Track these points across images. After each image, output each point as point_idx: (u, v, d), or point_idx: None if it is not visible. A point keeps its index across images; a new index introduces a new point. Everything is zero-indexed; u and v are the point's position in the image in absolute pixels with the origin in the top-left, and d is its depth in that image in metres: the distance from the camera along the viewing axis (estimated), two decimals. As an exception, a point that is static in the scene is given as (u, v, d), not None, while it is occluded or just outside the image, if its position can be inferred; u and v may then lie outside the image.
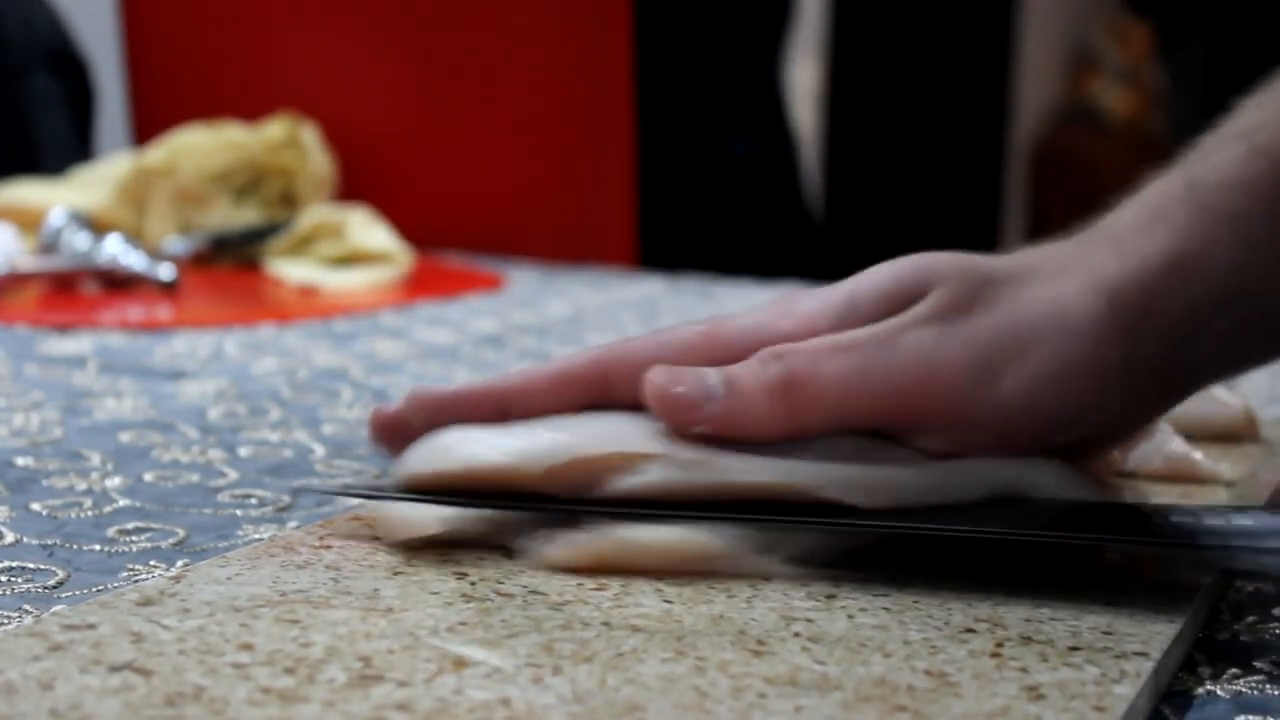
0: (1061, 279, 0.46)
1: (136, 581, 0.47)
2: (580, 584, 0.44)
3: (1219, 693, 0.40)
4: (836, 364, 0.45)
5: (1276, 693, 0.40)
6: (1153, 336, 0.46)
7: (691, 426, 0.45)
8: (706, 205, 1.64)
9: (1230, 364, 0.49)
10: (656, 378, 0.46)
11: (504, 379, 0.49)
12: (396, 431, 0.49)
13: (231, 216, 1.20)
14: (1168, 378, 0.48)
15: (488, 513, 0.46)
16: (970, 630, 0.41)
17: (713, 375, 0.46)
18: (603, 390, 0.48)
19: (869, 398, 0.45)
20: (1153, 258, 0.46)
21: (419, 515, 0.45)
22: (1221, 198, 0.47)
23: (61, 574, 0.48)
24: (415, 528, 0.46)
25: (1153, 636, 0.40)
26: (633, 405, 0.47)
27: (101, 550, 0.50)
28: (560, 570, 0.44)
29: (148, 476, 0.59)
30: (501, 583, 0.44)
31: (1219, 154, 0.48)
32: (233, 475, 0.60)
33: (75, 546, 0.50)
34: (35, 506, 0.54)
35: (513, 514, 0.46)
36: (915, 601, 0.43)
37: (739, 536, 0.44)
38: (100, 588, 0.46)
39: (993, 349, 0.45)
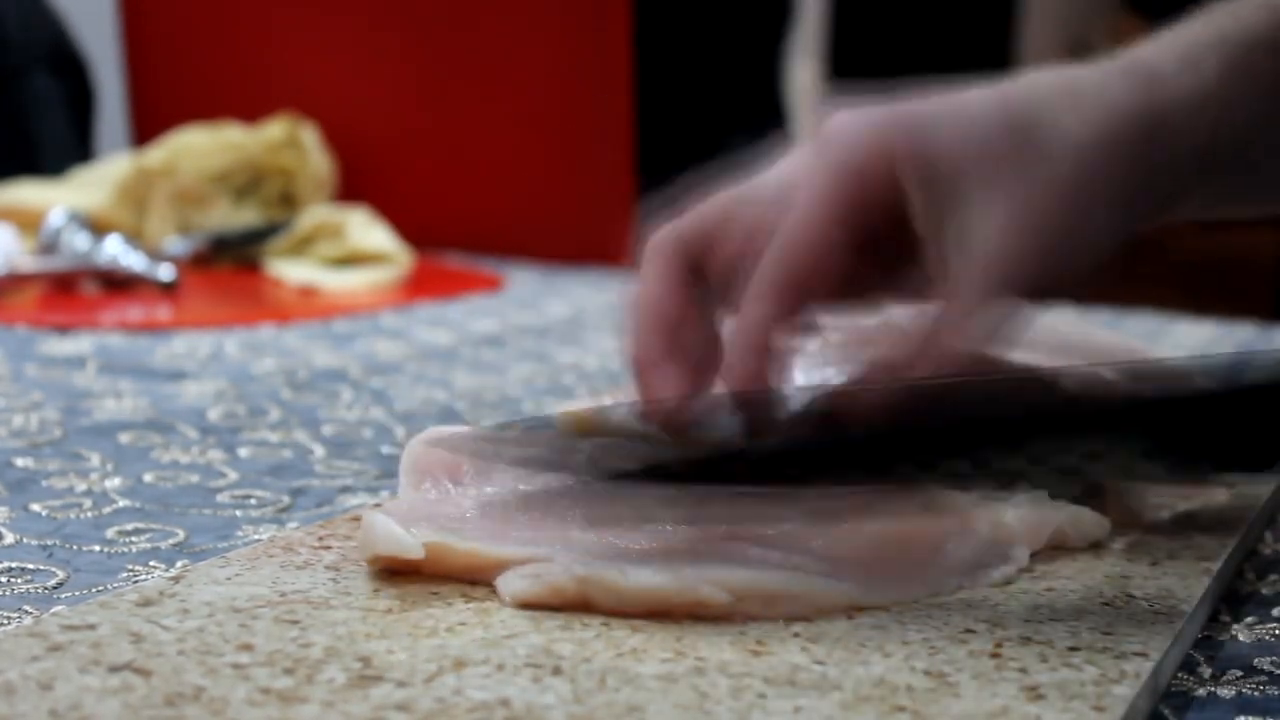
0: (1071, 103, 0.47)
1: (136, 582, 0.47)
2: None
3: (1219, 693, 0.40)
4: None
5: (1277, 693, 0.40)
6: (1153, 170, 0.47)
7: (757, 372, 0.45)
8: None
9: (1211, 209, 0.51)
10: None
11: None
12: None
13: (231, 217, 1.20)
14: (1154, 207, 0.49)
15: (471, 546, 0.43)
16: (969, 630, 0.41)
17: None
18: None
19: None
20: (1169, 94, 0.47)
21: (405, 537, 0.43)
22: (1248, 56, 0.48)
23: (61, 574, 0.48)
24: (400, 548, 0.43)
25: (1152, 637, 0.40)
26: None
27: (101, 551, 0.50)
28: (531, 607, 0.42)
29: (148, 477, 0.59)
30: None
31: (1250, 13, 0.49)
32: (232, 476, 0.60)
33: (75, 547, 0.50)
34: (35, 507, 0.54)
35: (492, 551, 0.43)
36: (915, 601, 0.43)
37: (710, 581, 0.41)
38: (100, 588, 0.46)
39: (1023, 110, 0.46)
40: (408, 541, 0.43)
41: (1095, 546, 0.49)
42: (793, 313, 0.46)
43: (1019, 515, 0.47)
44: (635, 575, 0.41)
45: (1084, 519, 0.48)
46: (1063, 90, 0.47)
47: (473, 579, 0.43)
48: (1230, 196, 0.51)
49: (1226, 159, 0.49)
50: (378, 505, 0.48)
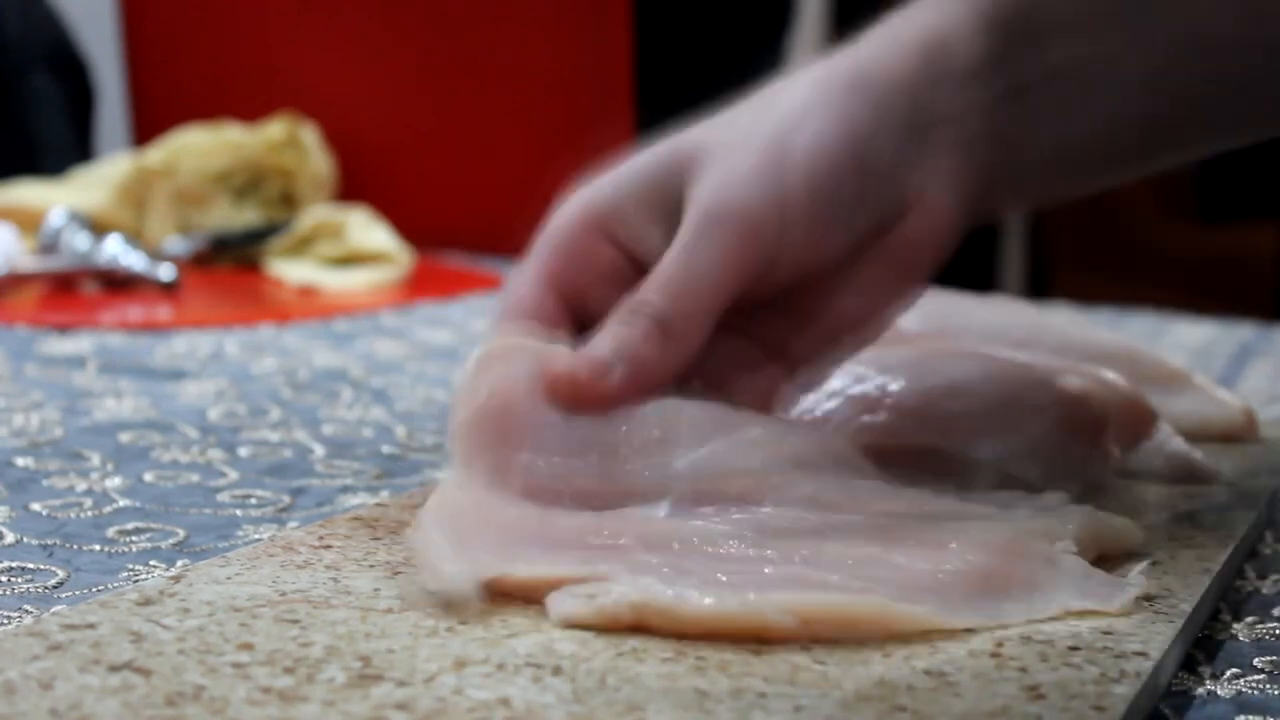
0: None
1: (136, 582, 0.47)
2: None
3: (1219, 693, 0.40)
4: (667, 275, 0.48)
5: (1276, 692, 0.40)
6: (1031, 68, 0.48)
7: (606, 402, 0.47)
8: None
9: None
10: (555, 369, 0.47)
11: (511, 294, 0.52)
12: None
13: (231, 217, 1.20)
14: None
15: (530, 575, 0.42)
16: (970, 630, 0.41)
17: (605, 348, 0.47)
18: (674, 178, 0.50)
19: (709, 280, 0.47)
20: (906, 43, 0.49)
21: (460, 575, 0.42)
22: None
23: (61, 574, 0.48)
24: (453, 584, 0.42)
25: (1152, 636, 0.40)
26: None
27: (101, 550, 0.50)
28: (578, 627, 0.41)
29: (148, 476, 0.59)
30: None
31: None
32: (233, 475, 0.60)
33: (75, 547, 0.50)
34: (35, 506, 0.54)
35: (549, 574, 0.42)
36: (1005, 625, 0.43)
37: (776, 606, 0.40)
38: (100, 588, 0.46)
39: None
40: (461, 582, 0.41)
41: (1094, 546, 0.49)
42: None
43: (1083, 529, 0.46)
44: (696, 600, 0.40)
45: (1128, 530, 0.48)
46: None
47: (524, 598, 0.42)
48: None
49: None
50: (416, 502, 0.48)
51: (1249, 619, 0.46)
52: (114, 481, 0.58)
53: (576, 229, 0.51)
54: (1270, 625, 0.45)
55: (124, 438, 0.64)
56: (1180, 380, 0.65)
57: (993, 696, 0.36)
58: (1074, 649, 0.39)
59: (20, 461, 0.60)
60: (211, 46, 1.41)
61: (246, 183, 1.23)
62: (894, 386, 0.55)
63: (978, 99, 0.48)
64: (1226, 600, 0.47)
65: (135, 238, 1.06)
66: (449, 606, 0.41)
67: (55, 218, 1.03)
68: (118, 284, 1.01)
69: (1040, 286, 2.88)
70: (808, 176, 0.47)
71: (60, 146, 1.49)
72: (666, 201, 0.50)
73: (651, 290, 0.48)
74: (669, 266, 0.48)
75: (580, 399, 0.47)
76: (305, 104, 1.29)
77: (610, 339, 0.47)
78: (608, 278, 0.50)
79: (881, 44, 0.49)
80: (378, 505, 0.51)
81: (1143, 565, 0.45)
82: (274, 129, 1.24)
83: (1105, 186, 0.52)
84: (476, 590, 0.41)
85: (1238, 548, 0.50)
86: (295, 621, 0.39)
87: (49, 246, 1.02)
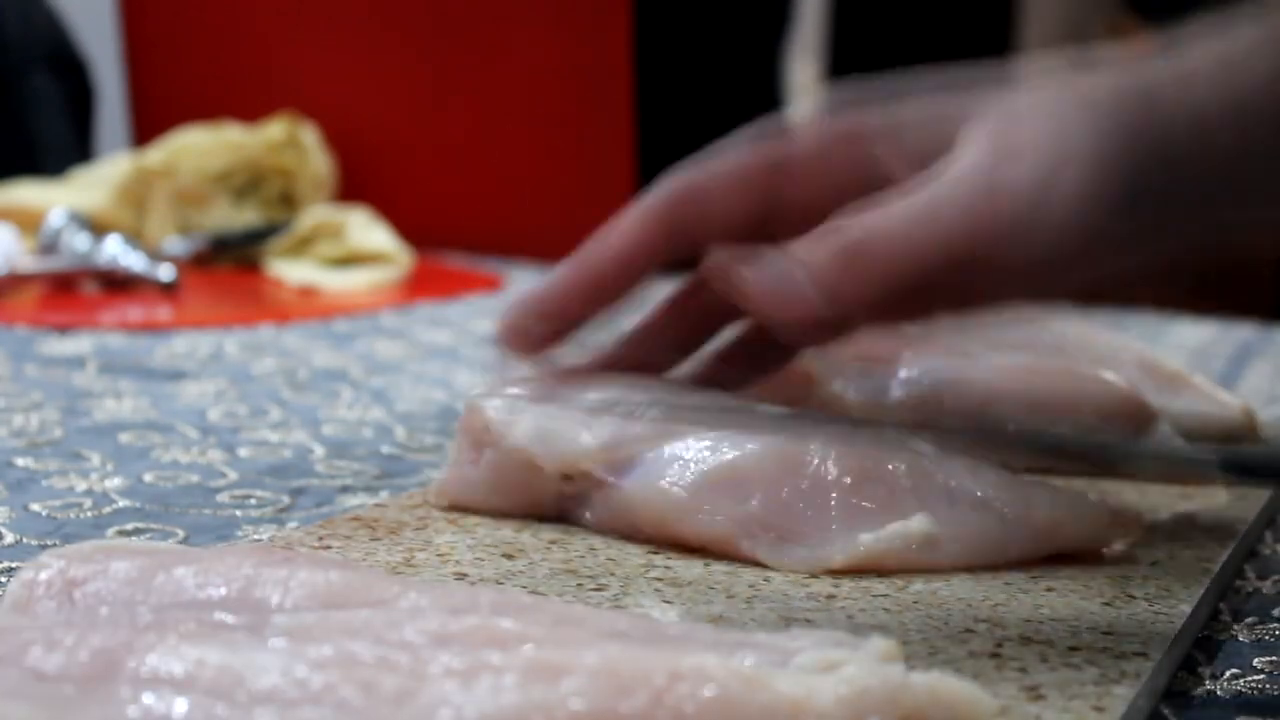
0: (1058, 91, 0.46)
1: (136, 581, 0.47)
2: (580, 584, 0.44)
3: (1219, 693, 0.40)
4: (900, 210, 0.45)
5: (1276, 693, 0.40)
6: (1224, 166, 0.45)
7: (799, 327, 0.45)
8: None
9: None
10: (743, 277, 0.45)
11: (589, 254, 0.50)
12: (523, 338, 0.51)
13: (231, 217, 1.20)
14: (1215, 210, 0.46)
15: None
16: (970, 630, 0.41)
17: (793, 266, 0.45)
18: (681, 234, 0.50)
19: (940, 234, 0.44)
20: (1236, 100, 0.45)
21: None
22: (1246, 80, 0.45)
23: (61, 574, 0.47)
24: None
25: (1152, 637, 0.40)
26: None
27: (101, 550, 0.50)
28: (562, 572, 0.44)
29: (148, 477, 0.59)
30: (501, 583, 0.44)
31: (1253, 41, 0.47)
32: (233, 475, 0.60)
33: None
34: (35, 506, 0.54)
35: None
36: (915, 602, 0.43)
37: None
38: (100, 588, 0.46)
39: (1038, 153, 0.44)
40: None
41: (1095, 547, 0.49)
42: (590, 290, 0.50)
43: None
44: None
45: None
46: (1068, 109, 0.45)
47: None
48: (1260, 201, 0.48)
49: (1240, 172, 0.46)
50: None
51: (1249, 619, 0.46)
52: (114, 481, 0.58)
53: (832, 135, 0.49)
54: (1270, 625, 0.45)
55: (124, 438, 0.64)
56: (1180, 380, 0.65)
57: (993, 696, 0.36)
58: (1074, 649, 0.39)
59: (20, 461, 0.60)
60: (211, 46, 1.41)
61: (246, 183, 1.23)
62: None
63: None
64: (1226, 600, 0.47)
65: (135, 238, 1.06)
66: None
67: (55, 218, 1.03)
68: (118, 284, 1.01)
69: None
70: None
71: (60, 146, 1.49)
72: (926, 140, 0.47)
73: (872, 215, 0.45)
74: (907, 203, 0.45)
75: (768, 309, 0.45)
76: (305, 104, 1.29)
77: (796, 251, 0.45)
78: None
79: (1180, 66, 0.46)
80: (378, 505, 0.51)
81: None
82: (274, 129, 1.24)
83: None
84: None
85: (1238, 548, 0.50)
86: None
87: (49, 246, 1.02)
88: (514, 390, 0.51)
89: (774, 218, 0.49)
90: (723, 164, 0.50)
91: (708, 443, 0.48)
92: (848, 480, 0.46)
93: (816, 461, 0.47)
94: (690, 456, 0.47)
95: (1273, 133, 0.45)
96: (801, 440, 0.47)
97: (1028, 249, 0.44)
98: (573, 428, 0.49)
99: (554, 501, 0.50)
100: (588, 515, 0.49)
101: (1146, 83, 0.45)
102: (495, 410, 0.50)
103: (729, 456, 0.47)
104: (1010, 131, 0.45)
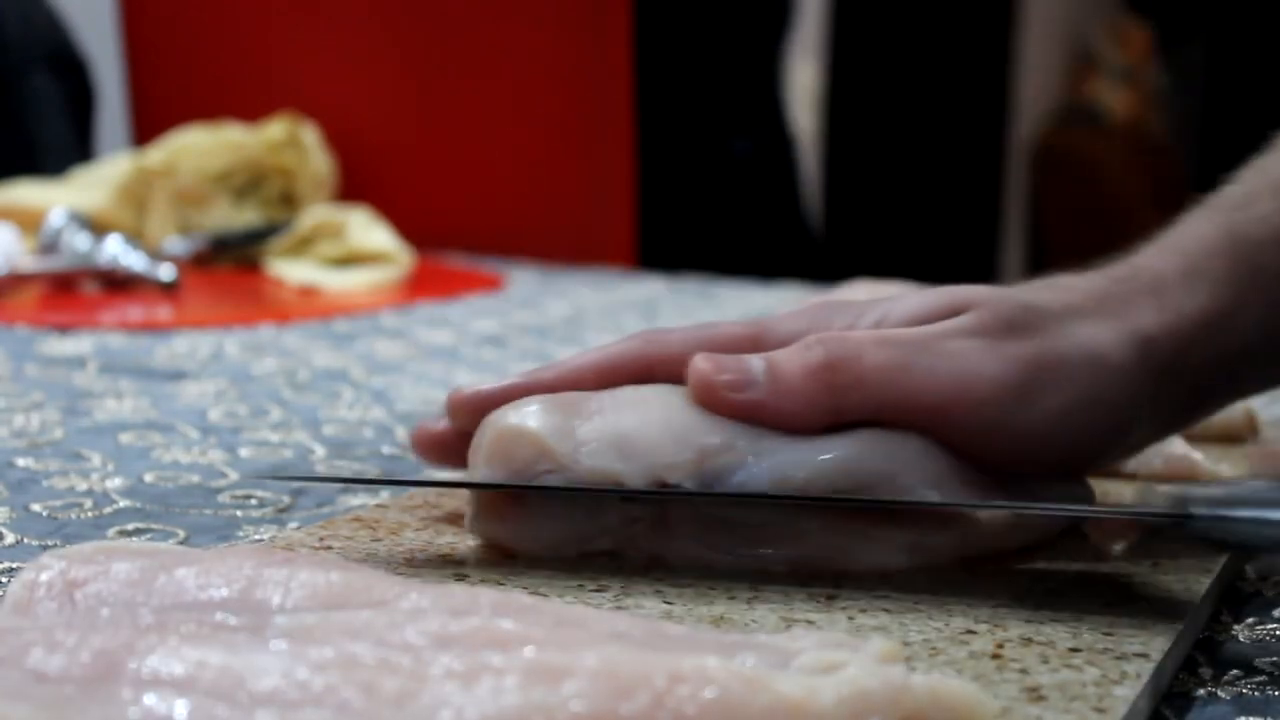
0: (1100, 322, 0.47)
1: (137, 582, 0.47)
2: (581, 585, 0.44)
3: (1219, 694, 0.40)
4: (879, 353, 0.45)
5: (1277, 694, 0.40)
6: (1182, 384, 0.47)
7: (734, 411, 0.45)
8: (706, 206, 1.64)
9: (1245, 395, 0.51)
10: (701, 364, 0.45)
11: (548, 373, 0.49)
12: (443, 447, 0.49)
13: (231, 217, 1.20)
14: (1188, 415, 0.50)
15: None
16: (970, 631, 0.41)
17: (755, 361, 0.46)
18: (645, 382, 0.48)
19: (909, 392, 0.45)
20: (1189, 314, 0.47)
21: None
22: (1261, 255, 0.48)
23: (62, 575, 0.47)
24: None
25: (1153, 638, 0.40)
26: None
27: (102, 551, 0.50)
28: (562, 573, 0.44)
29: (148, 477, 0.59)
30: (502, 584, 0.44)
31: (1262, 205, 0.49)
32: (233, 475, 0.60)
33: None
34: (35, 507, 0.54)
35: None
36: (915, 603, 0.43)
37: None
38: (100, 588, 0.46)
39: (1031, 371, 0.46)
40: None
41: (1095, 547, 0.49)
42: None
43: None
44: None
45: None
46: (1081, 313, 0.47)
47: None
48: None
49: (1256, 356, 0.48)
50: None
51: (1249, 620, 0.46)
52: (114, 481, 0.58)
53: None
54: (1270, 626, 0.45)
55: (124, 438, 0.64)
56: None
57: (993, 698, 0.36)
58: (1074, 650, 0.39)
59: (20, 461, 0.60)
60: (211, 46, 1.41)
61: (246, 183, 1.23)
62: None
63: None
64: (1226, 601, 0.47)
65: (135, 238, 1.06)
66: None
67: (55, 218, 1.03)
68: (118, 284, 1.01)
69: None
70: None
71: (60, 146, 1.49)
72: None
73: (852, 336, 0.46)
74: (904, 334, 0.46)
75: (710, 399, 0.45)
76: (305, 104, 1.29)
77: (773, 355, 0.46)
78: None
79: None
80: (378, 506, 0.51)
81: None
82: (274, 129, 1.24)
83: None
84: None
85: (1238, 548, 0.50)
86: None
87: (49, 246, 1.02)
88: (532, 408, 0.45)
89: None
90: (690, 335, 0.49)
91: (806, 448, 0.45)
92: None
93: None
94: (796, 460, 0.45)
95: None
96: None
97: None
98: (652, 437, 0.44)
99: (618, 529, 0.46)
100: (654, 543, 0.46)
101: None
102: (547, 431, 0.45)
103: (841, 462, 0.45)
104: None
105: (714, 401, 0.45)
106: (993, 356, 0.45)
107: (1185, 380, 0.47)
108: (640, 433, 0.44)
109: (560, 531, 0.45)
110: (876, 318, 0.49)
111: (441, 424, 0.49)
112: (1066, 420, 0.46)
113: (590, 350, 0.49)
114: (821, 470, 0.44)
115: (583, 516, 0.45)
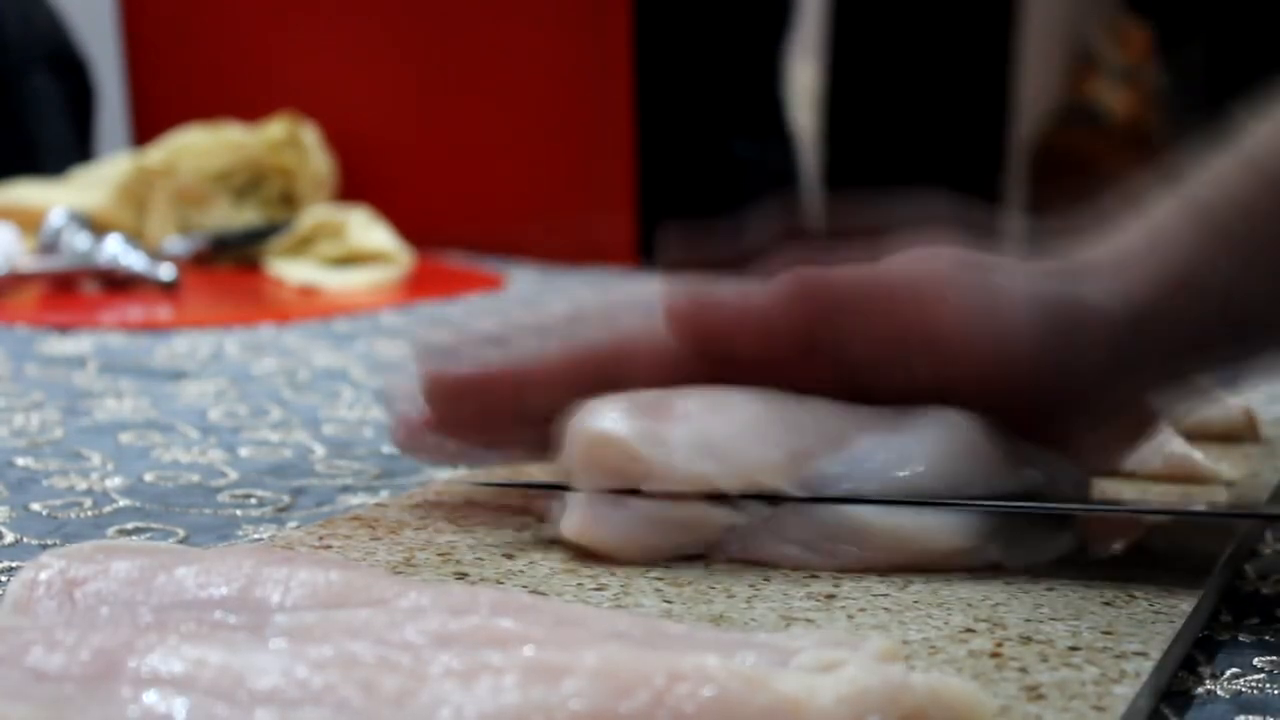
0: (1078, 281, 0.47)
1: (137, 581, 0.47)
2: (580, 584, 0.44)
3: (1219, 692, 0.40)
4: (856, 267, 0.46)
5: (1276, 692, 0.40)
6: (1165, 343, 0.48)
7: (718, 329, 0.45)
8: (706, 206, 1.64)
9: (1226, 365, 0.51)
10: (676, 300, 0.46)
11: (519, 362, 0.49)
12: (421, 437, 0.49)
13: (231, 216, 1.20)
14: (1170, 376, 0.49)
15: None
16: (970, 630, 0.41)
17: (729, 289, 0.46)
18: (618, 372, 0.48)
19: (881, 291, 0.46)
20: (1165, 280, 0.47)
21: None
22: (1219, 217, 0.48)
23: (62, 574, 0.47)
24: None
25: (1152, 636, 0.40)
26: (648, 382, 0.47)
27: (102, 550, 0.50)
28: (562, 572, 0.44)
29: (148, 476, 0.59)
30: (501, 583, 0.44)
31: (1219, 170, 0.49)
32: (233, 475, 0.60)
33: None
34: (35, 506, 0.54)
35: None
36: (915, 601, 0.43)
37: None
38: (100, 588, 0.46)
39: (1015, 302, 0.46)
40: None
41: (1094, 547, 0.49)
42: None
43: None
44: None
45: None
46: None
47: None
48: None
49: (1227, 322, 0.49)
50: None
51: (1249, 619, 0.46)
52: (114, 481, 0.58)
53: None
54: (1270, 626, 0.45)
55: (124, 437, 0.64)
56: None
57: (992, 696, 0.36)
58: (1074, 649, 0.39)
59: (20, 461, 0.60)
60: (211, 46, 1.41)
61: (246, 183, 1.23)
62: None
63: None
64: (1226, 600, 0.47)
65: (135, 238, 1.06)
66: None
67: (55, 218, 1.03)
68: (118, 284, 1.01)
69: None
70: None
71: (60, 146, 1.49)
72: None
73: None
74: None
75: (693, 334, 0.46)
76: (305, 104, 1.29)
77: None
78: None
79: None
80: (378, 505, 0.51)
81: None
82: (274, 129, 1.24)
83: None
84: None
85: (1238, 548, 0.50)
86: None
87: (49, 246, 1.03)
88: (617, 411, 0.45)
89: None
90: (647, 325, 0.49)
91: (905, 442, 0.45)
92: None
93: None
94: (899, 457, 0.45)
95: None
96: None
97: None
98: (744, 441, 0.44)
99: (714, 534, 0.46)
100: (747, 546, 0.46)
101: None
102: (636, 437, 0.44)
103: (945, 460, 0.46)
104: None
105: (682, 321, 0.46)
106: (972, 277, 0.46)
107: (1169, 340, 0.47)
108: (731, 435, 0.45)
109: (658, 536, 0.45)
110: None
111: (418, 412, 0.49)
112: (1046, 357, 0.46)
113: (558, 344, 0.49)
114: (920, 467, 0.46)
115: (682, 521, 0.45)
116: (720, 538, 0.46)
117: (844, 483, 0.45)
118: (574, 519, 0.46)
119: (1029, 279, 0.47)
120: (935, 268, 0.47)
